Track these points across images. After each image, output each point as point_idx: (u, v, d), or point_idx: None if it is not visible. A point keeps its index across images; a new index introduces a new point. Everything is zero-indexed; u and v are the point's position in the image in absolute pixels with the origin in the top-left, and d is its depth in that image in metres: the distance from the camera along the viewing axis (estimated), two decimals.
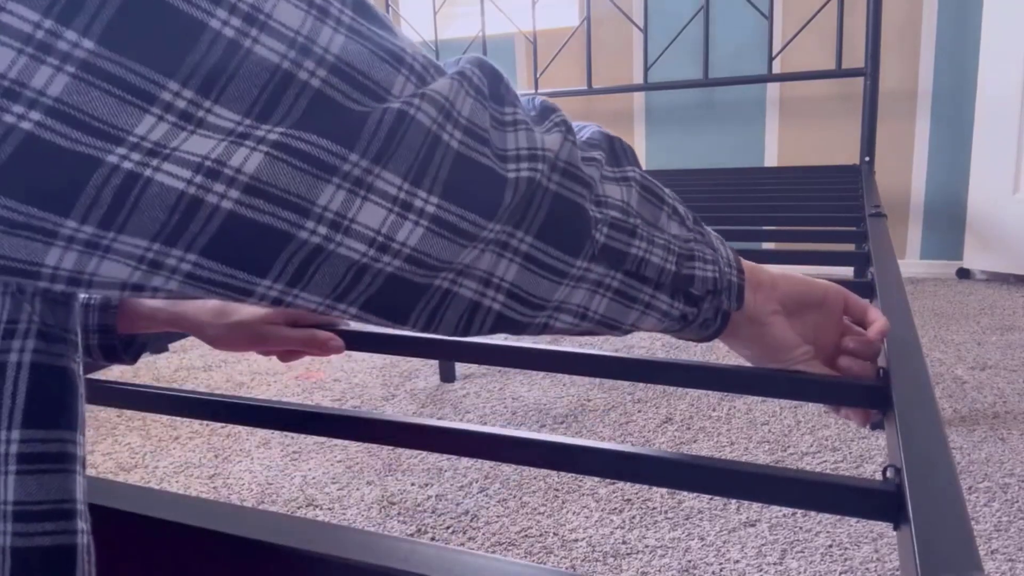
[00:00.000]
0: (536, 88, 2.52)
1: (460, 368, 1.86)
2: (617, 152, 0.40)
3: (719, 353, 1.92)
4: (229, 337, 0.60)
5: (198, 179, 0.24)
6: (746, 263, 0.46)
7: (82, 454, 0.32)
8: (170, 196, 0.24)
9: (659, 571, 1.03)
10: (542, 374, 1.83)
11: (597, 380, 1.77)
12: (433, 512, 1.22)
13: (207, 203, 0.24)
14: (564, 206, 0.33)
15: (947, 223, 2.56)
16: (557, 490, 1.26)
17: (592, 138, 0.39)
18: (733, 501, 1.20)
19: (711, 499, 1.21)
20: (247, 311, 0.60)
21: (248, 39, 0.24)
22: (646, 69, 2.36)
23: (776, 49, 2.49)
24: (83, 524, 0.32)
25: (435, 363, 1.88)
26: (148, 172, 0.23)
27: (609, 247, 0.36)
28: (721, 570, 1.03)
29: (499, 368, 1.87)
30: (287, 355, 0.63)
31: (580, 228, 0.34)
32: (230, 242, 0.25)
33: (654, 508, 1.19)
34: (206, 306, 0.60)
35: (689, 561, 1.05)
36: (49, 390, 0.31)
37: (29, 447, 0.30)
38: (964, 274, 2.54)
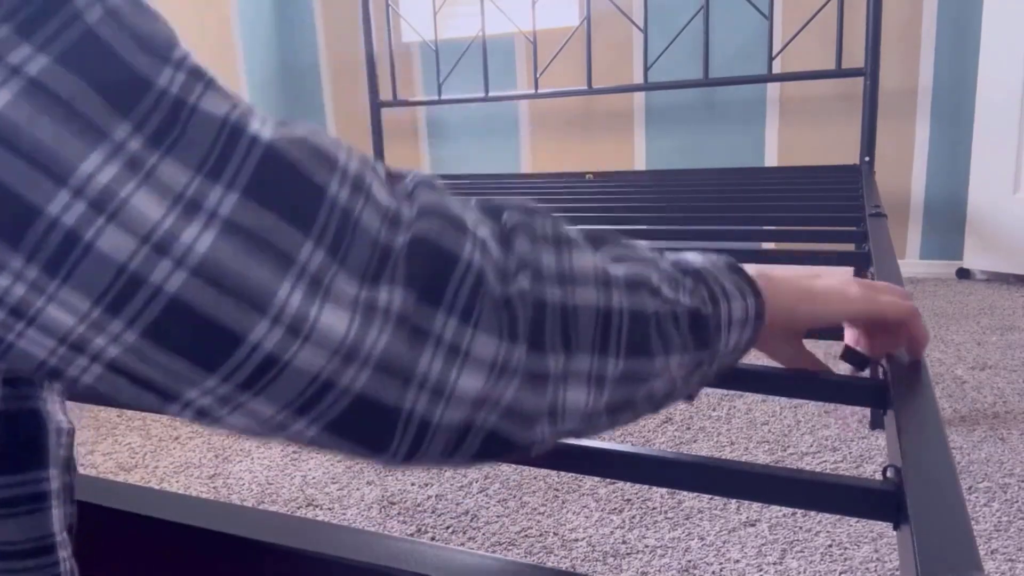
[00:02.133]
0: (536, 88, 2.52)
1: None
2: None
3: None
4: None
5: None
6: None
7: (56, 487, 0.32)
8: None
9: (659, 571, 1.03)
10: None
11: None
12: (433, 512, 1.22)
13: None
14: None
15: (947, 223, 2.56)
16: (557, 490, 1.26)
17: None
18: (733, 501, 1.20)
19: (711, 499, 1.21)
20: None
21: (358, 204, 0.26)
22: (646, 69, 2.36)
23: (776, 49, 2.49)
24: (63, 553, 0.32)
25: None
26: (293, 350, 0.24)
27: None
28: (721, 570, 1.03)
29: None
30: None
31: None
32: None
33: (654, 508, 1.19)
34: None
35: (689, 561, 1.05)
36: (19, 434, 0.30)
37: (6, 492, 0.30)
38: (964, 274, 2.54)
